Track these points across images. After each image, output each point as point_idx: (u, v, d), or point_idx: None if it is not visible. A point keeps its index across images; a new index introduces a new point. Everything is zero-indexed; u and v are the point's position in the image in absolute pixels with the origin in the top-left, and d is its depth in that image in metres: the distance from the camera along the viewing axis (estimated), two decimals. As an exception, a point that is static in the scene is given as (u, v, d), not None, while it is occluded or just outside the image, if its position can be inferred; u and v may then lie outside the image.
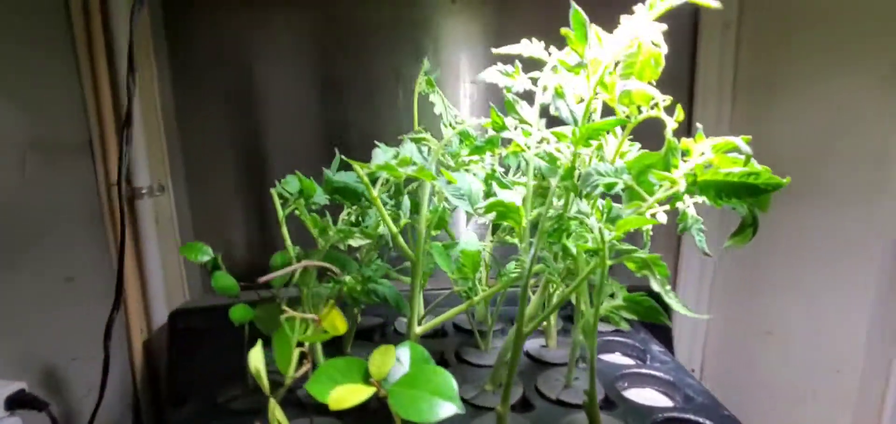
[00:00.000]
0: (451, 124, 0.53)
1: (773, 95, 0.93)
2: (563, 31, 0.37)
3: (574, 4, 0.35)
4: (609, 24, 0.40)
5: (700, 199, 0.41)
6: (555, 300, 0.45)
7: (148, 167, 0.97)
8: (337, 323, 0.41)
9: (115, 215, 0.94)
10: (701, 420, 0.48)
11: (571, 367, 0.55)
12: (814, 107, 0.82)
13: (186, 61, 0.98)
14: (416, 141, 0.50)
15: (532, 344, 0.65)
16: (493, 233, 0.53)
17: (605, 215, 0.38)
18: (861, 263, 0.77)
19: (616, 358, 0.64)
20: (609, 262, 0.37)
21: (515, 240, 0.56)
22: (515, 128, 0.44)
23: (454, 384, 0.40)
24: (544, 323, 0.62)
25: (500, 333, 0.71)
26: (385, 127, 1.00)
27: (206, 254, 0.69)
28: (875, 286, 0.76)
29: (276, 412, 0.40)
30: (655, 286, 0.36)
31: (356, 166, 0.45)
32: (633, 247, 0.40)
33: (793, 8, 0.85)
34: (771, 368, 0.91)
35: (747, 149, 0.36)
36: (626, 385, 0.57)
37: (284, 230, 0.54)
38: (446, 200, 0.49)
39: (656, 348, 0.64)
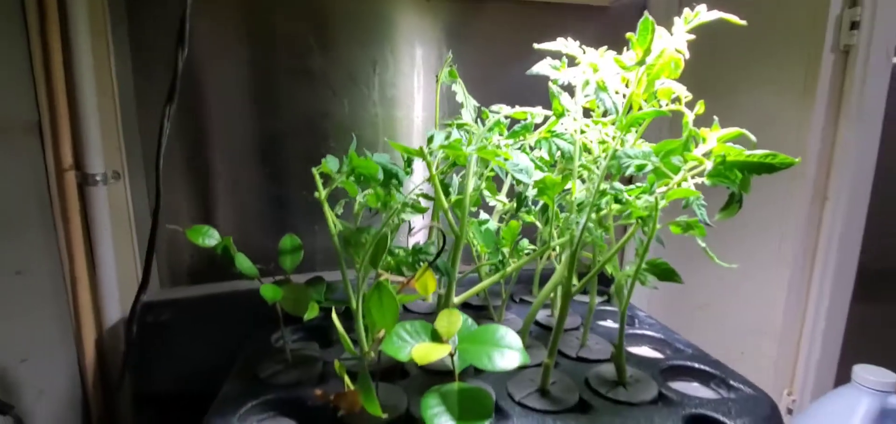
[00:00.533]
0: (481, 112, 0.58)
1: (707, 101, 1.09)
2: (629, 35, 0.44)
3: (647, 14, 0.43)
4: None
5: (700, 180, 0.50)
6: (599, 260, 0.52)
7: (102, 152, 0.91)
8: (428, 284, 0.45)
9: (66, 202, 0.87)
10: (699, 365, 0.58)
11: (586, 329, 0.63)
12: (739, 113, 0.98)
13: (148, 42, 0.93)
14: (459, 127, 0.55)
15: (541, 315, 0.72)
16: (517, 211, 0.59)
17: (651, 187, 0.46)
18: (779, 245, 0.94)
19: (608, 324, 0.73)
20: (658, 226, 0.45)
21: (532, 219, 0.63)
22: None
23: (518, 338, 0.46)
24: (551, 296, 0.70)
25: (512, 304, 0.78)
26: (359, 117, 1.02)
27: (212, 237, 0.67)
28: (791, 263, 0.93)
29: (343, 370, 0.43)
30: (701, 244, 0.45)
31: (419, 149, 0.49)
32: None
33: (722, 26, 1.01)
34: (706, 334, 1.07)
35: (753, 138, 0.46)
36: (625, 346, 0.66)
37: (327, 208, 0.55)
38: (486, 179, 0.54)
39: (641, 313, 0.75)
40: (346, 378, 0.47)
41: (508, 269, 0.59)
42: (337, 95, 1.00)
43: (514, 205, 0.61)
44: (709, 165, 0.46)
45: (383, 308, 0.42)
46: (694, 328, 1.13)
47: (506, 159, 0.48)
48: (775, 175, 0.92)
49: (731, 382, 0.55)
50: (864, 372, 0.79)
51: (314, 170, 0.55)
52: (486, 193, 0.66)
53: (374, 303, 0.43)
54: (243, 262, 0.63)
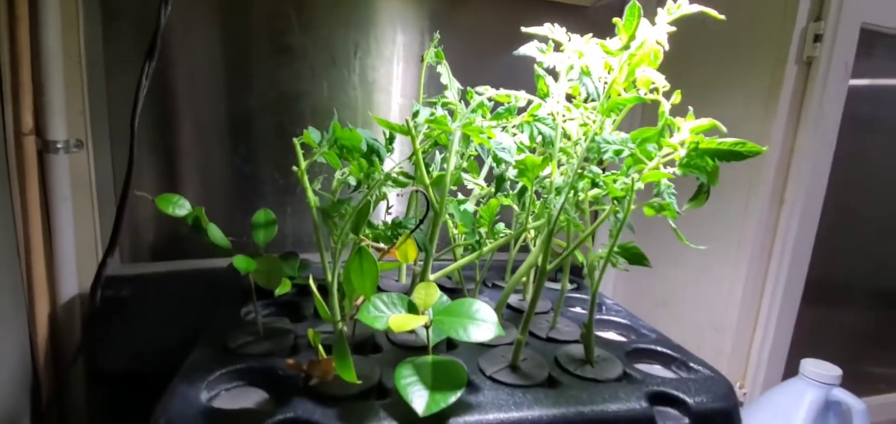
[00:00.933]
0: (466, 93, 0.59)
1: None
2: (616, 20, 0.46)
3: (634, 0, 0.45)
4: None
5: (672, 170, 0.53)
6: (573, 243, 0.54)
7: (65, 119, 0.88)
8: (409, 252, 0.45)
9: (24, 168, 0.84)
10: (661, 349, 0.60)
11: (557, 312, 0.65)
12: (706, 117, 1.02)
13: (121, 6, 0.90)
14: (444, 105, 0.56)
15: (512, 299, 0.74)
16: (496, 193, 0.60)
17: (626, 171, 0.48)
18: (738, 245, 0.99)
19: (577, 310, 0.75)
20: (633, 206, 0.47)
21: (509, 202, 0.64)
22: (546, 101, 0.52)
23: (492, 312, 0.47)
24: (523, 280, 0.71)
25: (484, 289, 0.79)
26: (338, 100, 1.02)
27: (182, 207, 0.66)
28: (747, 262, 0.98)
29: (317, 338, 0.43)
30: (671, 222, 0.47)
31: (403, 125, 0.49)
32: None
33: (695, 31, 1.05)
34: (666, 329, 1.10)
35: (724, 129, 0.48)
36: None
37: (305, 181, 0.55)
38: (468, 158, 0.55)
39: (609, 301, 0.77)
40: (320, 347, 0.47)
41: (485, 249, 0.60)
42: (316, 75, 1.00)
43: (492, 189, 0.62)
44: (682, 152, 0.48)
45: (364, 274, 0.43)
46: (653, 324, 1.17)
47: (490, 138, 0.49)
48: (737, 179, 0.98)
49: (691, 364, 0.57)
50: (811, 366, 0.84)
51: (295, 140, 0.55)
52: (465, 176, 0.67)
53: (354, 269, 0.43)
54: (215, 233, 0.62)
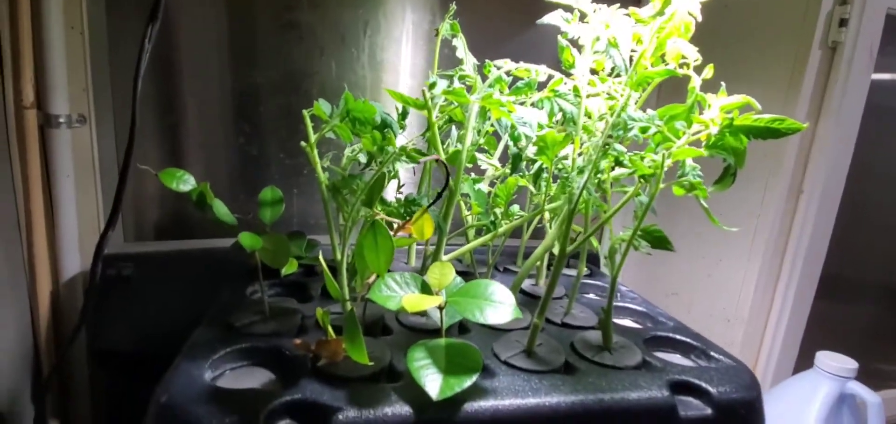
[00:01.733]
0: (485, 66, 0.57)
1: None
2: None
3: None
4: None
5: (699, 152, 0.50)
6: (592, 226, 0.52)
7: (68, 93, 0.85)
8: (425, 228, 0.43)
9: (25, 143, 0.82)
10: (681, 337, 0.58)
11: (573, 297, 0.63)
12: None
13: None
14: (461, 78, 0.54)
15: (525, 284, 0.72)
16: (513, 172, 0.58)
17: (654, 148, 0.46)
18: (753, 236, 0.97)
19: (591, 297, 0.73)
20: (662, 185, 0.44)
21: (525, 183, 0.62)
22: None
23: (509, 293, 0.45)
24: (537, 265, 0.69)
25: (496, 273, 0.77)
26: (347, 79, 1.00)
27: (187, 182, 0.64)
28: (762, 254, 0.95)
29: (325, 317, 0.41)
30: (703, 202, 0.44)
31: (419, 99, 0.47)
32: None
33: (718, 17, 1.02)
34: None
35: (758, 105, 0.46)
36: (607, 315, 0.66)
37: (315, 155, 0.53)
38: (485, 134, 0.53)
39: (624, 288, 0.75)
40: (329, 327, 0.45)
41: (500, 230, 0.58)
42: (325, 54, 0.97)
43: (507, 171, 0.60)
44: (714, 129, 0.46)
45: (378, 249, 0.41)
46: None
47: (510, 112, 0.47)
48: (755, 167, 0.95)
49: (712, 353, 0.55)
50: (827, 358, 0.82)
51: (305, 112, 0.53)
52: (479, 156, 0.65)
53: (367, 244, 0.41)
54: (220, 208, 0.60)
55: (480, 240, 0.56)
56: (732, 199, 0.96)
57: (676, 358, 0.57)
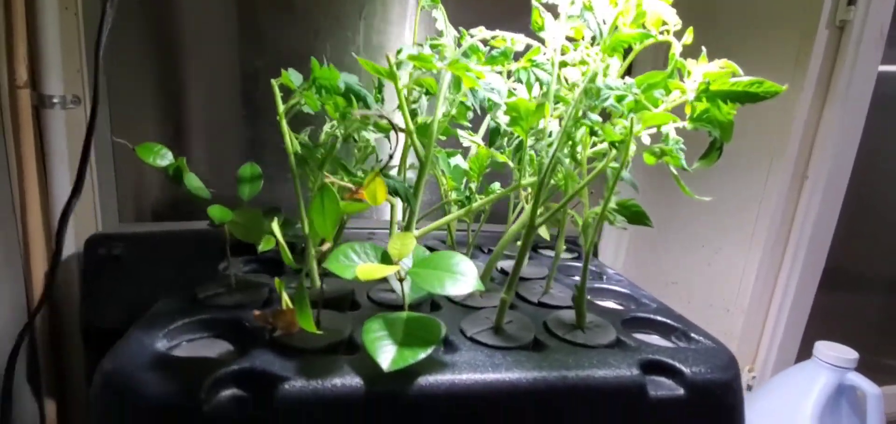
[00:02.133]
0: (461, 34, 0.55)
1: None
2: None
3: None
4: None
5: (682, 124, 0.48)
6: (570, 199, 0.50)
7: (62, 74, 0.86)
8: (378, 193, 0.41)
9: (18, 122, 0.82)
10: (662, 318, 0.56)
11: (551, 276, 0.61)
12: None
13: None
14: (433, 46, 0.52)
15: (506, 264, 0.70)
16: (491, 146, 0.56)
17: (627, 115, 0.43)
18: (755, 224, 0.93)
19: (577, 279, 0.71)
20: (632, 154, 0.42)
21: (505, 159, 0.60)
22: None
23: (472, 264, 0.43)
24: (518, 243, 0.67)
25: (479, 253, 0.76)
26: (341, 63, 0.98)
27: (164, 158, 0.63)
28: (763, 242, 0.92)
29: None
30: (674, 170, 0.42)
31: (382, 68, 0.45)
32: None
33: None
34: (675, 308, 1.05)
35: (741, 72, 0.44)
36: (590, 298, 0.64)
37: (284, 125, 0.52)
38: (458, 105, 0.51)
39: (611, 271, 0.73)
40: (285, 297, 0.44)
41: (474, 205, 0.56)
42: (319, 36, 0.96)
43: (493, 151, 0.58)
44: (691, 95, 0.43)
45: (325, 213, 0.39)
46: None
47: (479, 78, 0.45)
48: (757, 152, 0.91)
49: (693, 335, 0.53)
50: (826, 349, 0.79)
51: (273, 81, 0.52)
52: (461, 133, 0.63)
53: (315, 209, 0.40)
54: (193, 181, 0.60)
55: (451, 216, 0.55)
56: (734, 184, 0.92)
57: (655, 339, 0.55)
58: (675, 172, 0.44)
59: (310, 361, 0.40)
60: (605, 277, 0.70)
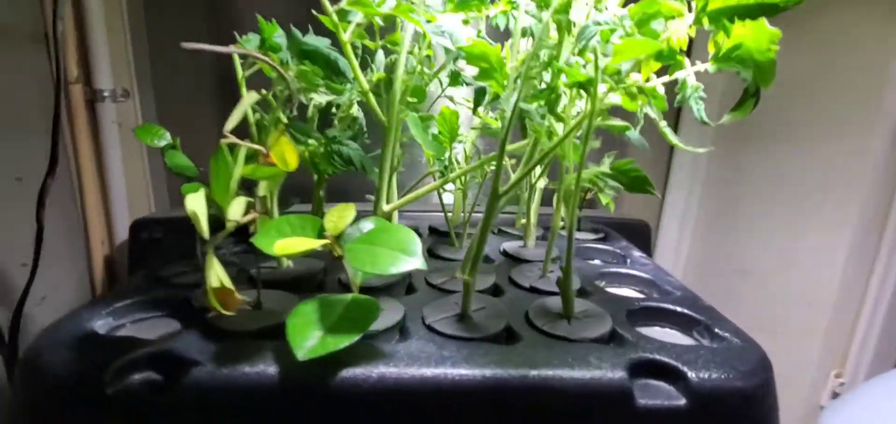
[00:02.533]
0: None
1: (777, 26, 0.89)
2: None
3: None
4: None
5: (703, 67, 0.38)
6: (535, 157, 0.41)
7: (111, 69, 0.91)
8: (287, 156, 0.37)
9: (73, 116, 0.88)
10: (674, 307, 0.46)
11: (548, 256, 0.52)
12: (816, 38, 0.79)
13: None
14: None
15: (511, 245, 0.62)
16: (475, 110, 0.49)
17: (599, 49, 0.34)
18: (840, 201, 0.76)
19: (597, 262, 0.62)
20: (603, 100, 0.33)
21: (494, 123, 0.53)
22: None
23: (418, 240, 0.37)
24: (522, 221, 0.59)
25: (491, 233, 0.69)
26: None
27: (162, 139, 0.64)
28: (855, 222, 0.75)
29: (212, 262, 0.36)
30: (653, 114, 0.33)
31: (323, 17, 0.40)
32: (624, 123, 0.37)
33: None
34: (744, 303, 0.90)
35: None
36: (604, 283, 0.55)
37: (244, 90, 0.49)
38: (424, 63, 0.45)
39: (637, 253, 0.62)
40: (214, 273, 0.40)
41: (452, 175, 0.49)
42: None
43: (493, 121, 0.51)
44: (690, 18, 0.33)
45: (219, 177, 0.35)
46: (730, 296, 0.96)
47: (428, 21, 0.38)
48: (842, 115, 0.74)
49: (718, 330, 0.42)
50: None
51: (232, 48, 0.49)
52: (457, 97, 0.56)
53: (212, 172, 0.36)
54: (177, 159, 0.59)
55: (427, 188, 0.48)
56: (817, 153, 0.76)
57: (669, 334, 0.44)
58: (654, 115, 0.34)
59: (234, 345, 0.37)
60: (628, 260, 0.60)
